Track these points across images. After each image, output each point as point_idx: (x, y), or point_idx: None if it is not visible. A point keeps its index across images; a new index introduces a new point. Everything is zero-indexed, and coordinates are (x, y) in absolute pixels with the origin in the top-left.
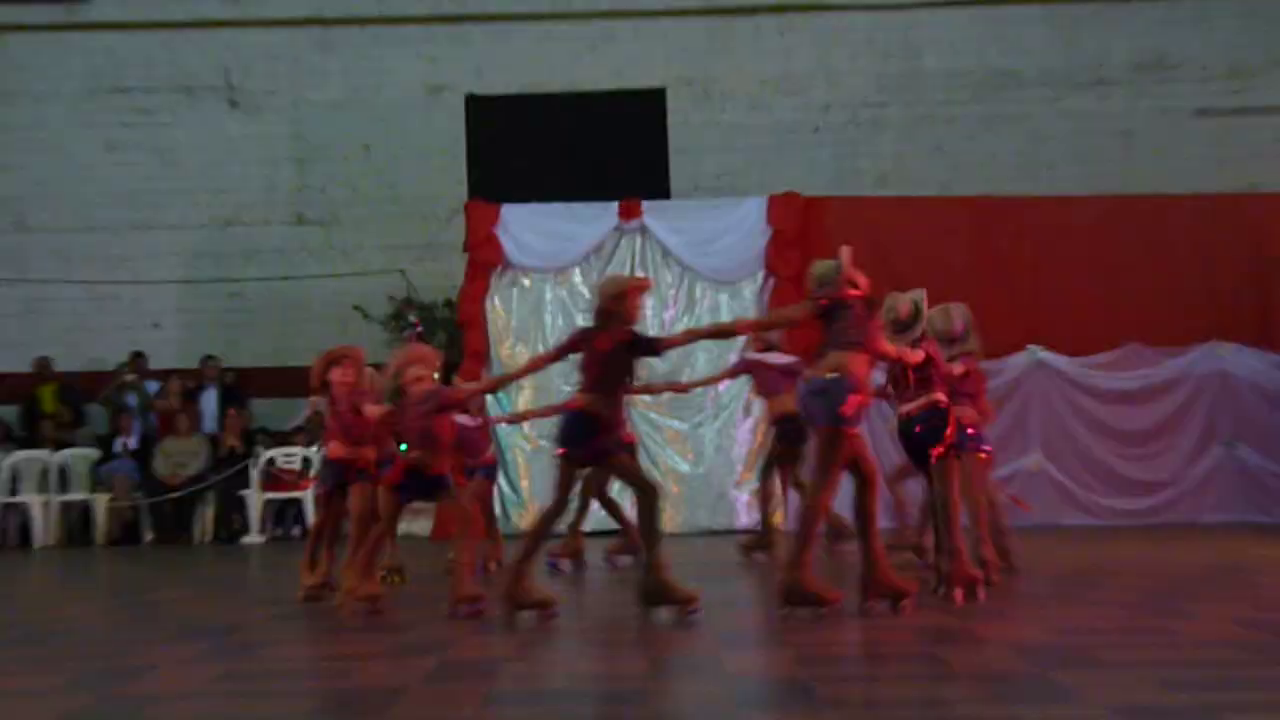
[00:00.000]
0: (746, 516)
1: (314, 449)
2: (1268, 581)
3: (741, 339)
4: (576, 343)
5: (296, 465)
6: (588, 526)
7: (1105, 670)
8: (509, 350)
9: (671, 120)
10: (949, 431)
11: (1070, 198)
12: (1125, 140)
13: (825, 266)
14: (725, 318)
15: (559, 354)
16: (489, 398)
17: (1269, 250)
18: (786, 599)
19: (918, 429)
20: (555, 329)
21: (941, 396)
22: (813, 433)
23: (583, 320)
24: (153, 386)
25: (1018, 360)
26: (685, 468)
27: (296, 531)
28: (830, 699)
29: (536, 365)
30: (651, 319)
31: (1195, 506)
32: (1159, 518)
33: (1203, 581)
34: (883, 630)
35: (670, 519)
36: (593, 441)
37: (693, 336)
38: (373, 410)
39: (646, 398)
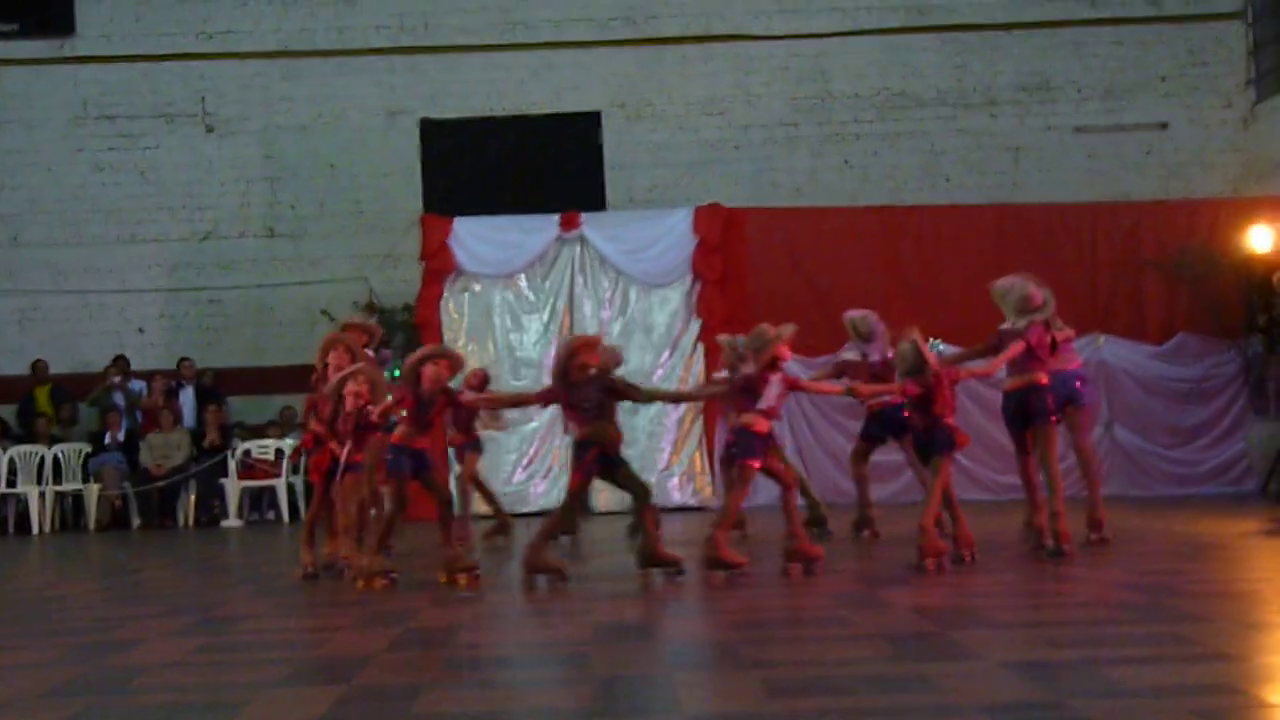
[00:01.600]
0: (678, 495)
1: (286, 441)
2: (1143, 549)
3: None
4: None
5: (270, 456)
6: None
7: (998, 630)
8: (462, 349)
9: (607, 140)
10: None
11: (965, 207)
12: (1014, 155)
13: (760, 337)
14: (657, 318)
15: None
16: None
17: (1141, 253)
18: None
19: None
20: (503, 329)
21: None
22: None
23: (527, 320)
24: (138, 386)
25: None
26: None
27: (270, 516)
28: (752, 660)
29: (523, 402)
30: (589, 319)
31: (1080, 482)
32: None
33: (1085, 549)
34: (802, 597)
35: (604, 498)
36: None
37: (653, 397)
38: (470, 398)
39: None
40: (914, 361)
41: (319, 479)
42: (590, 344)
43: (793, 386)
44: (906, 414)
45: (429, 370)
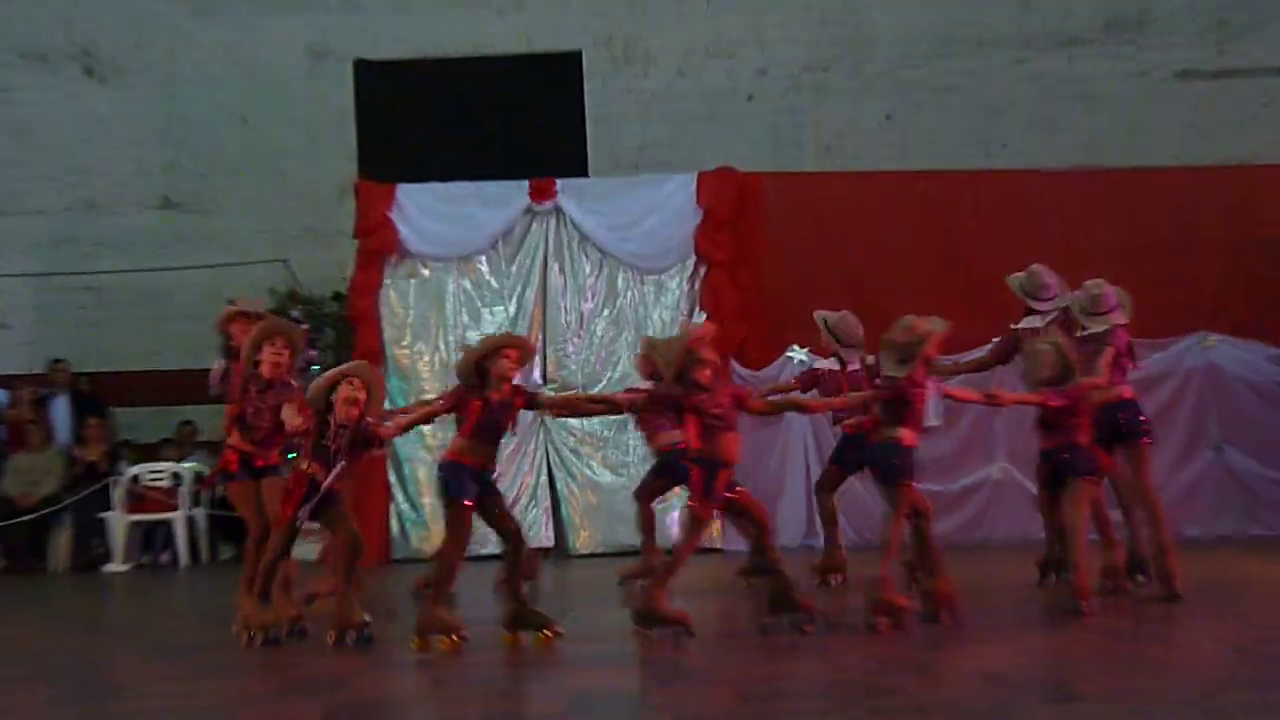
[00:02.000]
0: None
1: (186, 464)
2: (1259, 601)
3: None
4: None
5: (165, 483)
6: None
7: (1082, 704)
8: (407, 350)
9: (588, 88)
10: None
11: (1033, 171)
12: (1094, 107)
13: (668, 349)
14: (651, 312)
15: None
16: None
17: (1259, 229)
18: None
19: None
20: (460, 325)
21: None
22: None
23: (488, 314)
24: (1, 395)
25: (978, 355)
26: (606, 478)
27: (166, 558)
28: None
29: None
30: (569, 312)
31: (1181, 517)
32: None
33: (1189, 602)
34: (833, 658)
35: (587, 538)
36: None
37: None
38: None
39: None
40: (1059, 367)
41: (290, 510)
42: (703, 337)
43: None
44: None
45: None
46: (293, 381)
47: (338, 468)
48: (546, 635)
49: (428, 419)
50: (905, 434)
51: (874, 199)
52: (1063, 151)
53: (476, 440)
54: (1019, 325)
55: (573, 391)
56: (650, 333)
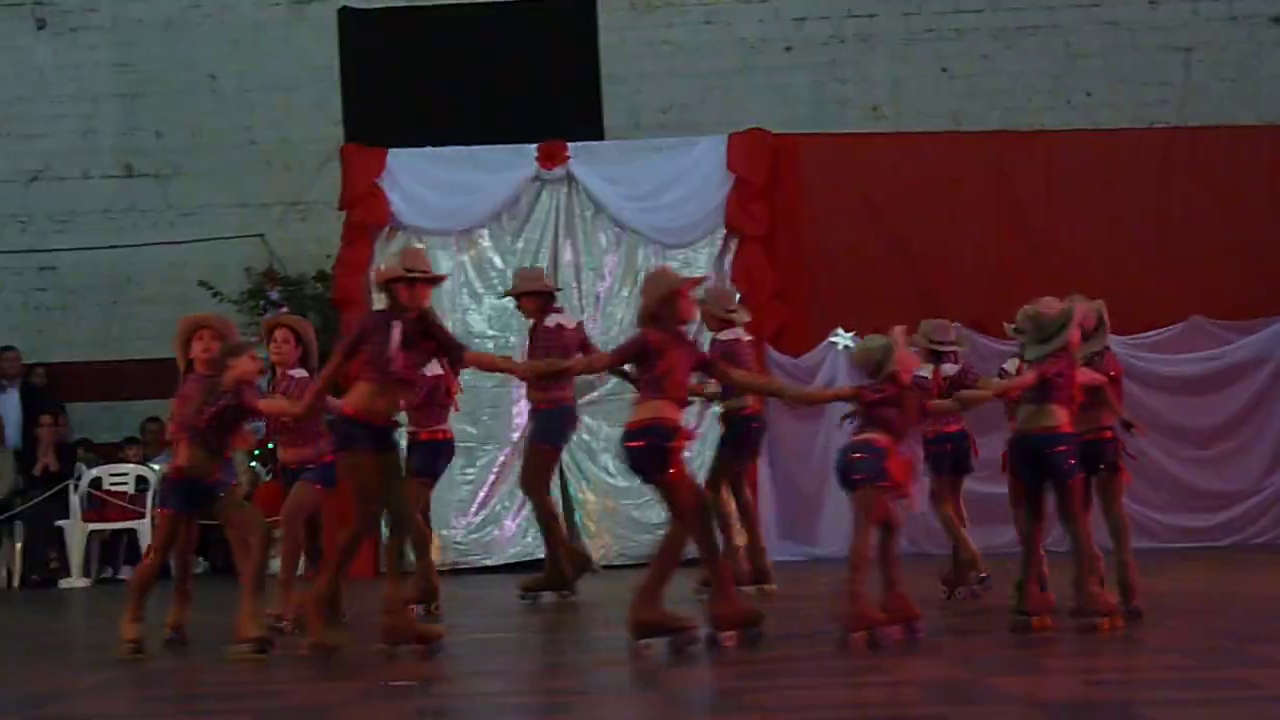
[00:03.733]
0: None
1: (154, 465)
2: None
3: None
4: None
5: (129, 487)
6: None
7: None
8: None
9: (604, 39)
10: None
11: (1114, 131)
12: (1184, 58)
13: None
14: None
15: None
16: None
17: None
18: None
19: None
20: (459, 306)
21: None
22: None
23: (492, 295)
24: None
25: None
26: (623, 482)
27: (128, 573)
28: None
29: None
30: (583, 293)
31: (1277, 523)
32: (1231, 538)
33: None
34: (878, 686)
35: (603, 546)
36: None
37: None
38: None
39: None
40: (870, 364)
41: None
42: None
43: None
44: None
45: None
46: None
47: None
48: None
49: None
50: (876, 435)
51: (927, 163)
52: (1142, 107)
53: None
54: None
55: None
56: None
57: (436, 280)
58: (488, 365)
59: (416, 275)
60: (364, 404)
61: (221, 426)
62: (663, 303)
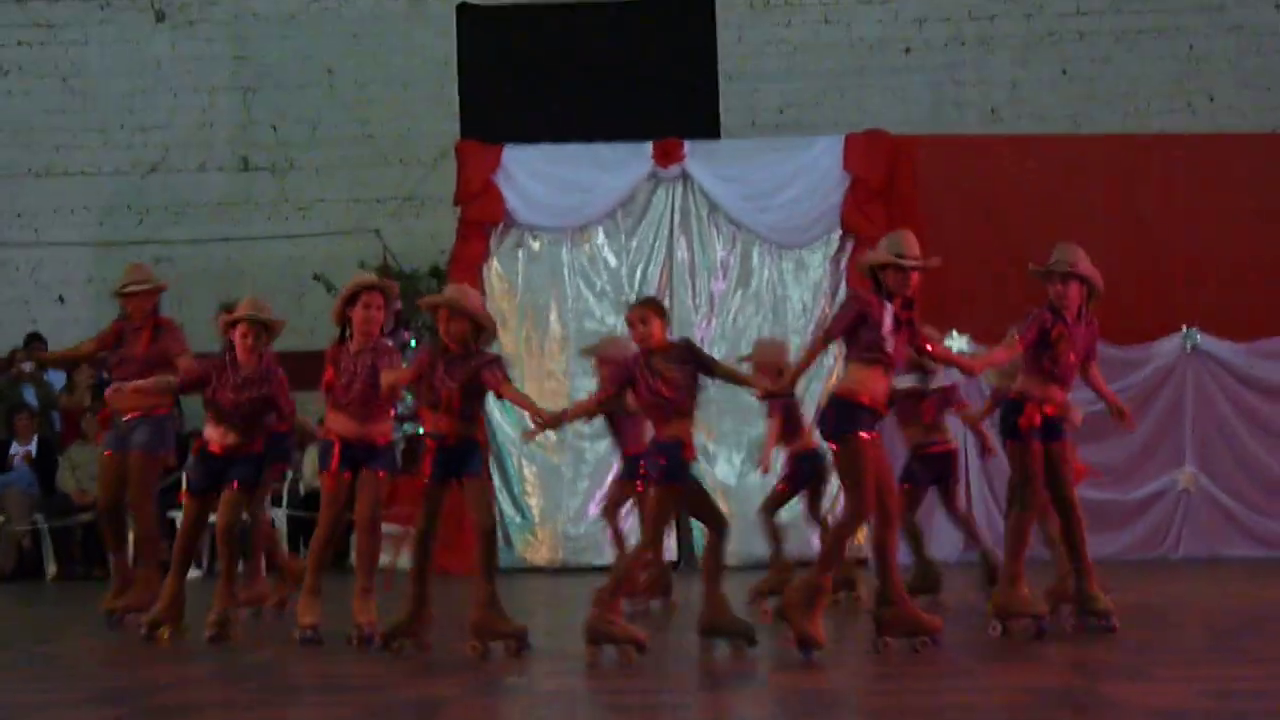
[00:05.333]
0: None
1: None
2: None
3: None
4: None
5: None
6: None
7: None
8: (513, 333)
9: (722, 37)
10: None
11: (1238, 136)
12: None
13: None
14: (791, 291)
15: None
16: None
17: None
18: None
19: None
20: (575, 305)
21: None
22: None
23: (607, 291)
24: (57, 379)
25: (1168, 346)
26: (736, 480)
27: (242, 567)
28: None
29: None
30: (698, 293)
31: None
32: None
33: None
34: (984, 692)
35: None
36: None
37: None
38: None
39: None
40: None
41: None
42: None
43: None
44: None
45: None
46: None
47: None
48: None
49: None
50: None
51: (1045, 166)
52: (1265, 112)
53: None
54: None
55: None
56: (789, 315)
57: (927, 267)
58: None
59: (909, 263)
60: (860, 386)
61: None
62: None
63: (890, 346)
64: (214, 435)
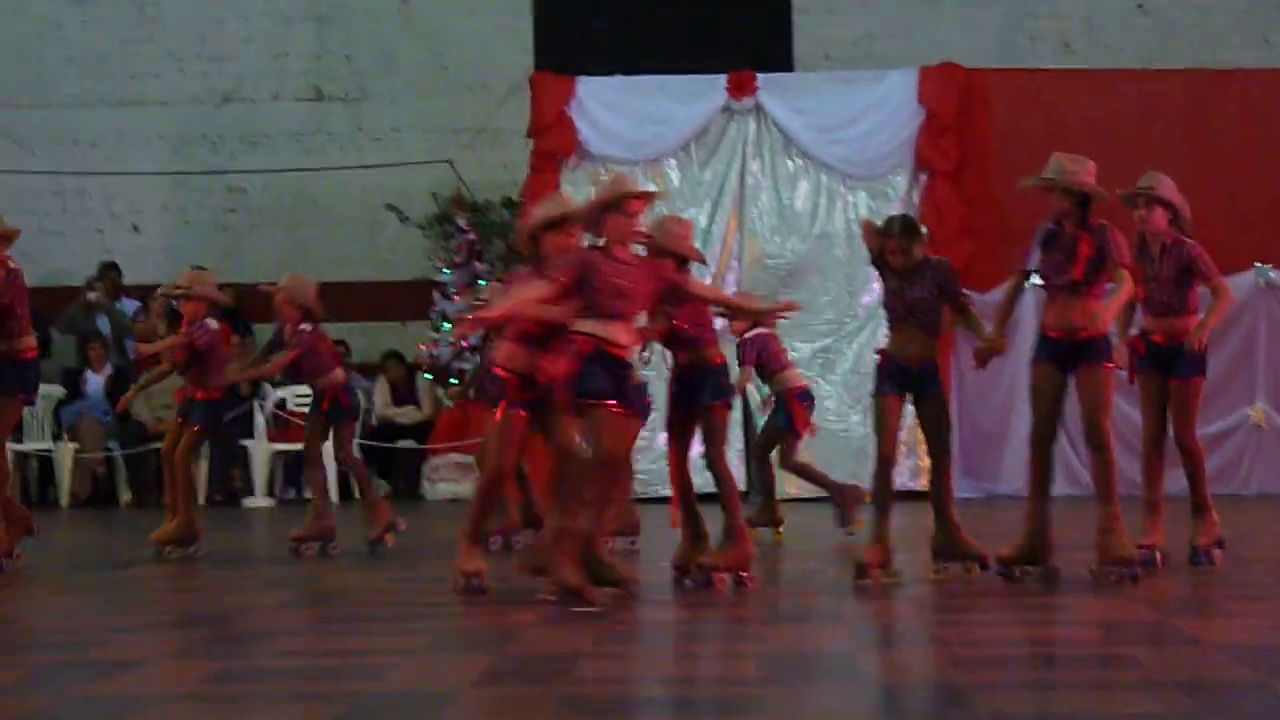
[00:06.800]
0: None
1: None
2: None
3: None
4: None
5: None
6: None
7: None
8: None
9: None
10: None
11: None
12: None
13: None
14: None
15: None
16: None
17: None
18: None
19: None
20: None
21: None
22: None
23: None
24: (130, 307)
25: (1241, 281)
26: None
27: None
28: (993, 713)
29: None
30: (768, 223)
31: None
32: None
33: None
34: (1060, 626)
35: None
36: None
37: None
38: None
39: None
40: None
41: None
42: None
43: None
44: None
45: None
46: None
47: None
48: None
49: None
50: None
51: (1119, 100)
52: None
53: None
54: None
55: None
56: (862, 250)
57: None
58: None
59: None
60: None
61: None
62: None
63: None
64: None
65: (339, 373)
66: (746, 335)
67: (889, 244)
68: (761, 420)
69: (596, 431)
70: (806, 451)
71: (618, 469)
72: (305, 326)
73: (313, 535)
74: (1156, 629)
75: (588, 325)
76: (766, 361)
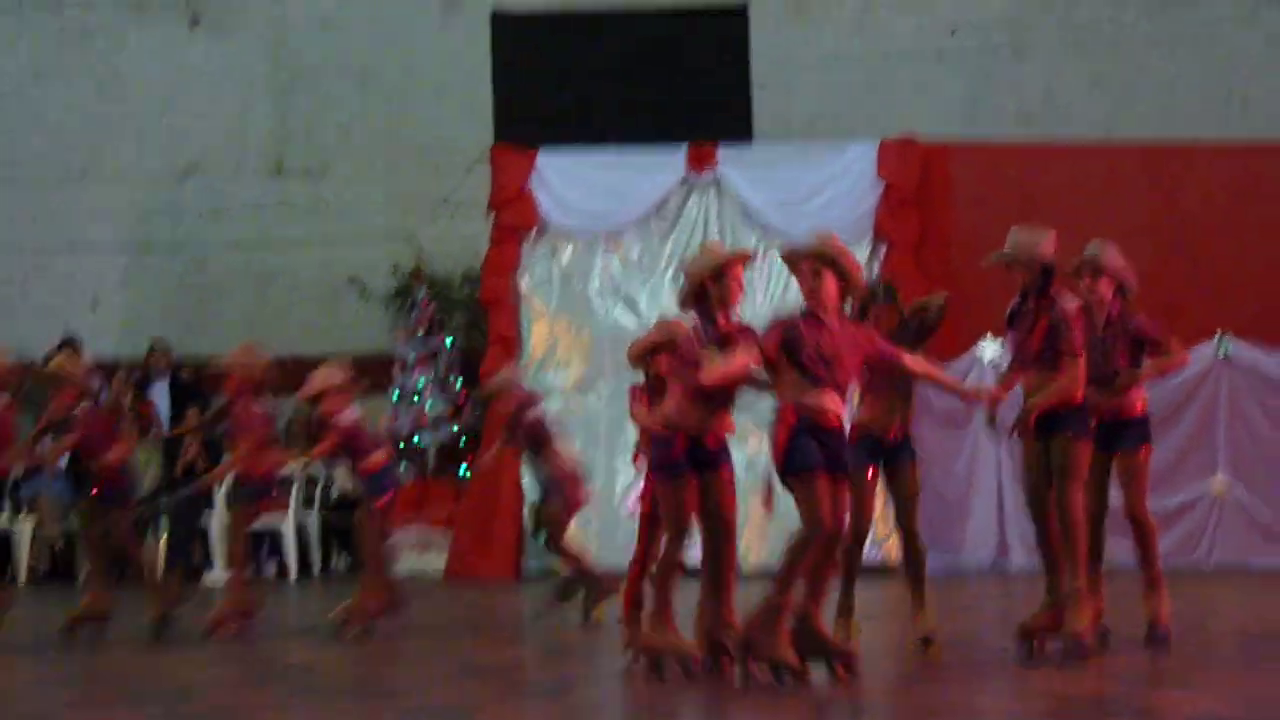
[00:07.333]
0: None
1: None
2: None
3: None
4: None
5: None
6: None
7: None
8: (545, 337)
9: (755, 44)
10: None
11: (1271, 143)
12: None
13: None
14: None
15: None
16: None
17: None
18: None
19: None
20: (605, 309)
21: None
22: None
23: (637, 296)
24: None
25: (1202, 353)
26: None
27: (272, 570)
28: None
29: None
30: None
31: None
32: None
33: None
34: (1022, 699)
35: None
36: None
37: None
38: None
39: None
40: None
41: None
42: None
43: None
44: None
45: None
46: None
47: None
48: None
49: None
50: None
51: (1079, 172)
52: None
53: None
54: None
55: None
56: None
57: None
58: None
59: None
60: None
61: None
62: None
63: None
64: None
65: (118, 450)
66: None
67: (875, 310)
68: None
69: (809, 503)
70: None
71: (834, 541)
72: (85, 404)
73: (90, 616)
74: (1119, 703)
75: (794, 395)
76: None
